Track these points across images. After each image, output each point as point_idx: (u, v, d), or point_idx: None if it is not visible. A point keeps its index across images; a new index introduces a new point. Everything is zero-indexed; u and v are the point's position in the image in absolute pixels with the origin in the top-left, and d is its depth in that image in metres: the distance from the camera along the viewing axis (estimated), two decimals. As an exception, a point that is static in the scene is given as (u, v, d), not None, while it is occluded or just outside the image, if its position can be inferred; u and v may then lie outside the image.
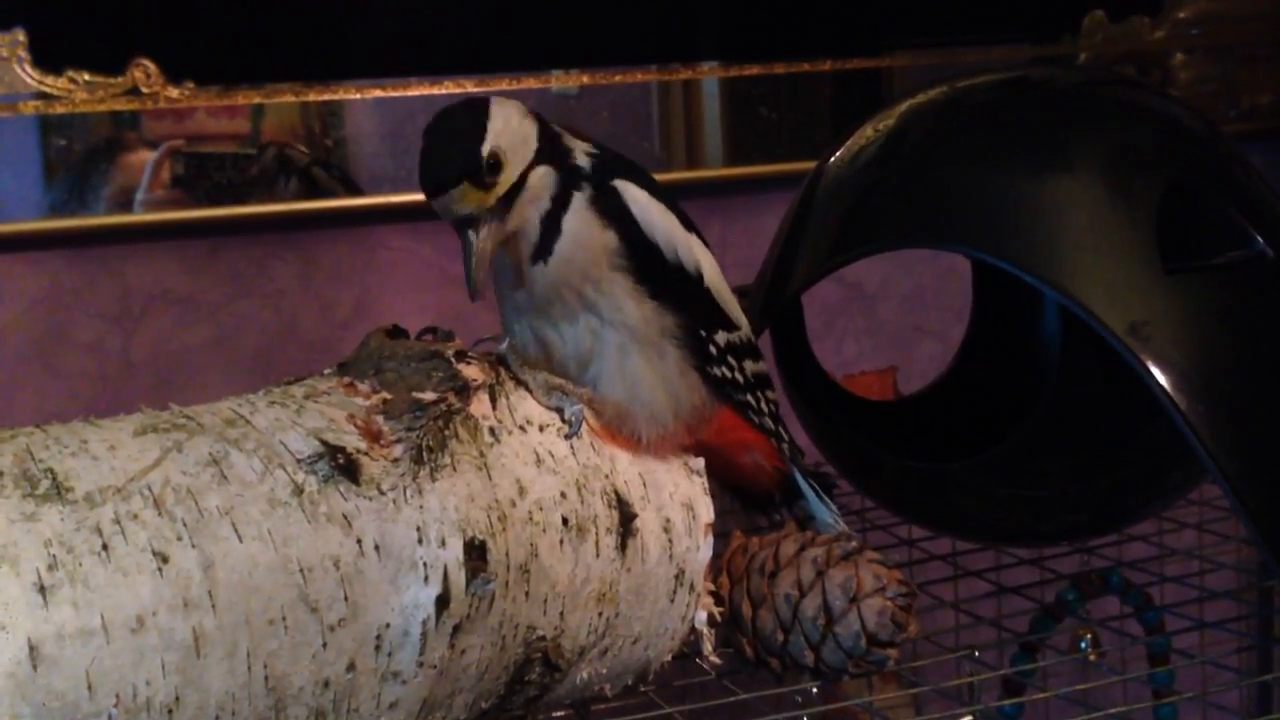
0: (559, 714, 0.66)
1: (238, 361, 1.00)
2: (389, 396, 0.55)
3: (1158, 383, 0.60)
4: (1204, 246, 0.65)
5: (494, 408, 0.57)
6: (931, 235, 0.68)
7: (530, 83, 1.05)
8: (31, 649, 0.43)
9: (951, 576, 0.85)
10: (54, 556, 0.45)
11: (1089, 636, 0.85)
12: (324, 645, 0.49)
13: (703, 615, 0.64)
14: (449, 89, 1.03)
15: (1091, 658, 0.85)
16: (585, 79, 1.07)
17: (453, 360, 0.58)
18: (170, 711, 0.46)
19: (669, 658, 0.64)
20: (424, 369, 0.57)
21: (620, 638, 0.61)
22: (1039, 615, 0.84)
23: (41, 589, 0.44)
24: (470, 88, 1.03)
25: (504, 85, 1.04)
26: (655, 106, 1.09)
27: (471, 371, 0.58)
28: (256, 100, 0.99)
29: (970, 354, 0.88)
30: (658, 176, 1.10)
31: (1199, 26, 1.22)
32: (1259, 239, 0.64)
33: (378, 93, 1.01)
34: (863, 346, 1.16)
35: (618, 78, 1.07)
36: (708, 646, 0.64)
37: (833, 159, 0.76)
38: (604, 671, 0.61)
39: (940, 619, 0.86)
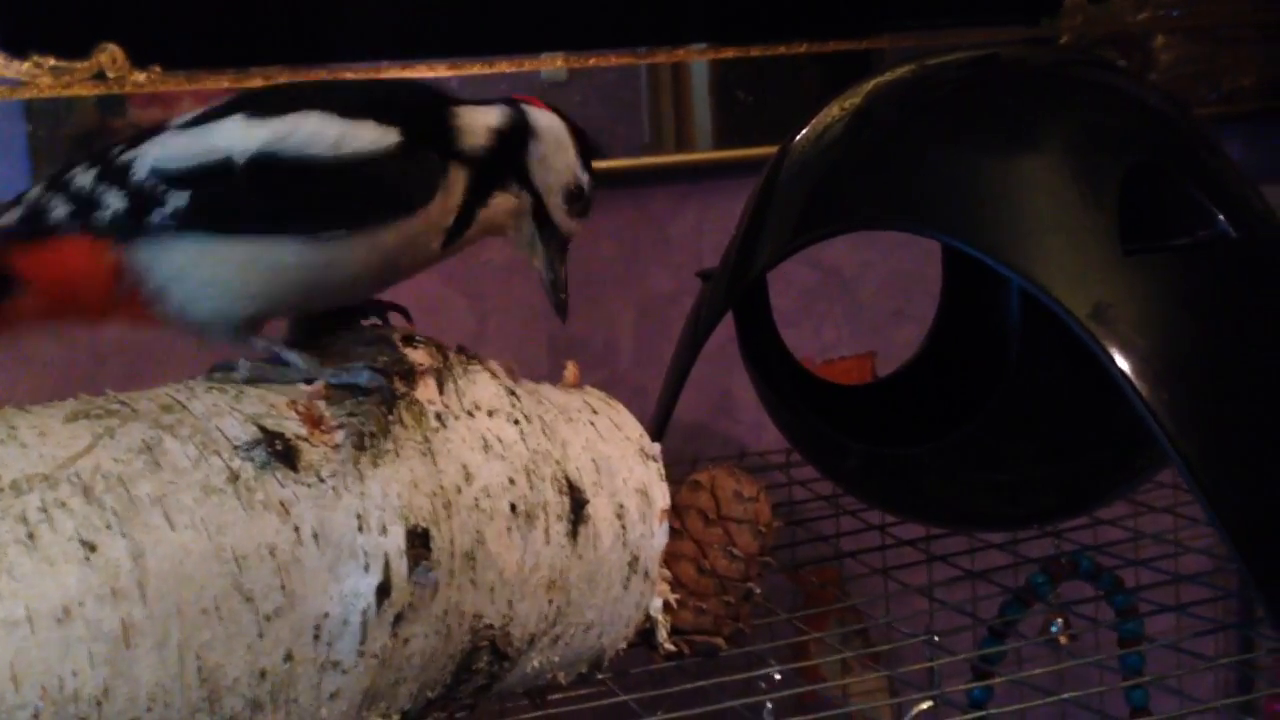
0: (518, 704, 0.65)
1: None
2: (331, 381, 0.54)
3: (1118, 367, 0.59)
4: (1167, 228, 0.64)
5: (440, 392, 0.57)
6: (894, 216, 0.67)
7: (503, 66, 1.04)
8: (-47, 640, 0.43)
9: (922, 561, 0.85)
10: (-23, 546, 0.44)
11: (1060, 620, 0.84)
12: (260, 635, 0.49)
13: (658, 602, 0.63)
14: (422, 72, 1.02)
15: (1062, 641, 0.84)
16: (576, 62, 1.06)
17: (399, 344, 0.57)
18: (99, 703, 0.45)
19: (624, 645, 0.63)
20: (369, 353, 0.56)
21: (572, 625, 0.60)
22: (1009, 600, 0.83)
23: (-36, 579, 0.44)
24: (444, 72, 1.02)
25: (482, 69, 1.03)
26: (644, 90, 1.08)
27: (418, 356, 0.57)
28: (225, 84, 0.98)
29: (939, 336, 0.88)
30: (647, 160, 1.11)
31: (1180, 8, 1.21)
32: (1222, 219, 0.63)
33: (348, 75, 1.00)
34: (841, 331, 1.15)
35: (607, 60, 1.06)
36: (663, 633, 0.63)
37: (798, 137, 0.75)
38: (556, 660, 0.60)
39: (913, 604, 0.86)
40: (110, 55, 0.95)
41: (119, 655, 0.46)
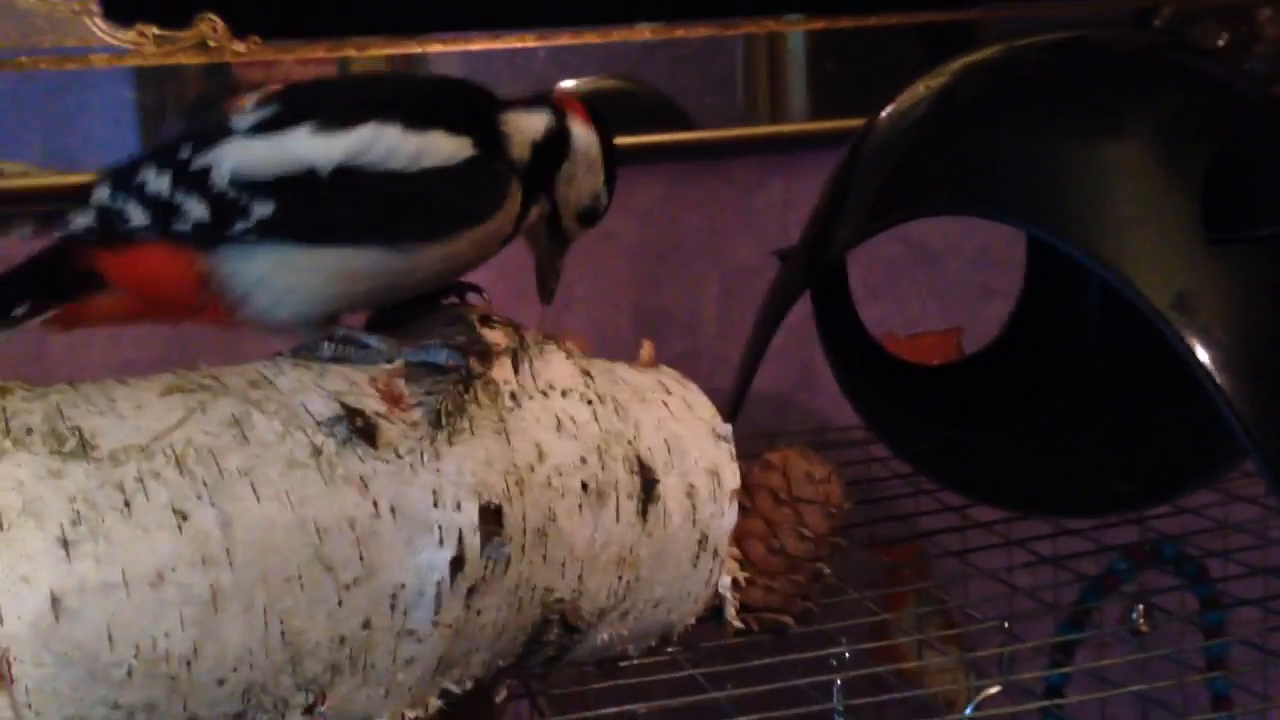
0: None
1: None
2: (411, 360, 0.56)
3: (1198, 358, 0.58)
4: (1251, 217, 0.62)
5: (516, 372, 0.58)
6: (971, 202, 0.67)
7: (591, 37, 1.04)
8: (54, 601, 0.45)
9: (1001, 544, 0.85)
10: (78, 512, 0.47)
11: (1140, 608, 0.84)
12: (339, 603, 0.51)
13: (726, 580, 0.64)
14: (510, 43, 1.03)
15: (1142, 628, 0.83)
16: (663, 33, 1.06)
17: (476, 324, 0.58)
18: (188, 663, 0.48)
19: (692, 621, 0.65)
20: (448, 333, 0.58)
21: (641, 601, 0.61)
22: (1088, 586, 0.83)
23: (65, 543, 0.46)
24: (532, 43, 1.03)
25: (570, 40, 1.04)
26: (739, 59, 1.08)
27: (495, 336, 0.59)
28: (320, 54, 1.00)
29: (1020, 318, 0.87)
30: (740, 131, 1.11)
31: (1288, -21, 1.17)
32: (1310, 210, 0.62)
33: (438, 47, 1.02)
34: (927, 306, 1.14)
35: (694, 30, 1.06)
36: (731, 610, 0.64)
37: (882, 115, 0.74)
38: (625, 633, 0.62)
39: (990, 587, 0.85)
40: (211, 24, 0.97)
41: (208, 618, 0.48)
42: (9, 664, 0.44)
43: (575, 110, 0.62)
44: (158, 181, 0.55)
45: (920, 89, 0.73)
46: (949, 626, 0.90)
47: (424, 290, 0.60)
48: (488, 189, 0.57)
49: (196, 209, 0.54)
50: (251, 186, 0.54)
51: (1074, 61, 0.70)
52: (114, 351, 0.96)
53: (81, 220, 0.55)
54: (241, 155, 0.54)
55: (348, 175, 0.54)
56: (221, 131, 0.56)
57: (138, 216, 0.54)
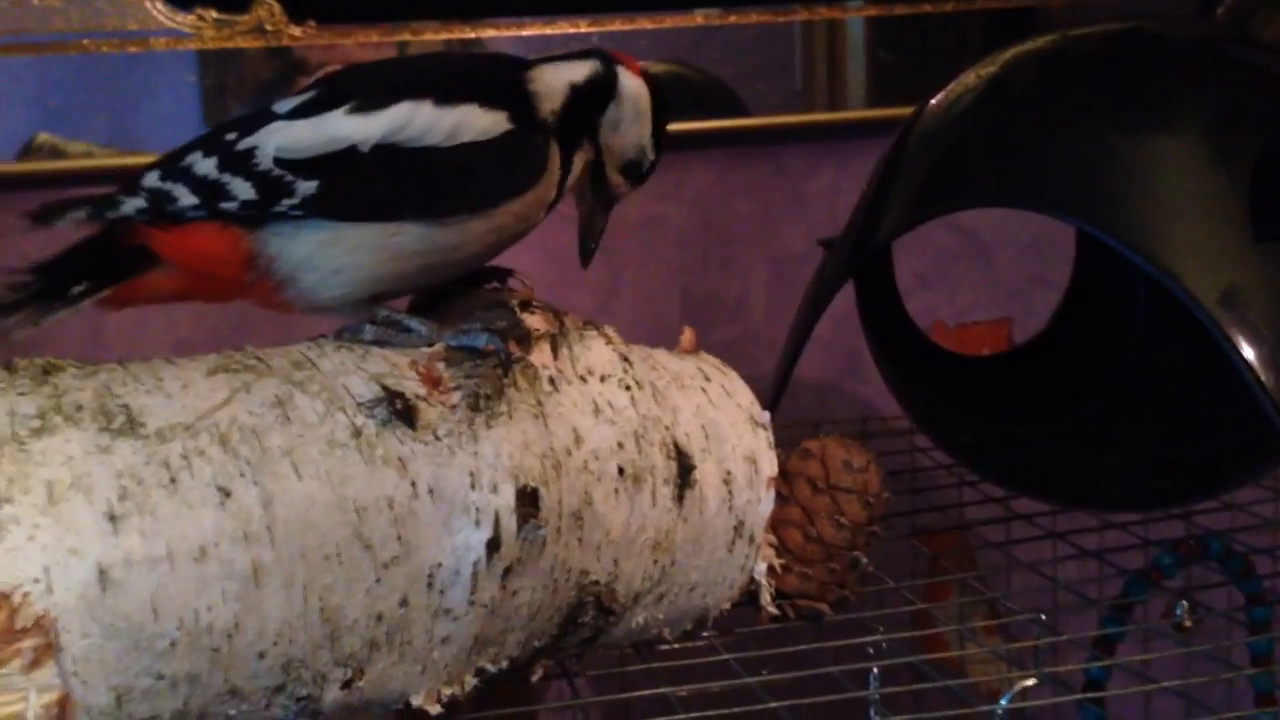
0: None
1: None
2: (451, 344, 0.56)
3: (1243, 355, 0.58)
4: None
5: (555, 357, 0.59)
6: (1018, 195, 0.66)
7: (644, 23, 1.04)
8: (101, 573, 0.47)
9: (1044, 536, 0.84)
10: (124, 487, 0.48)
11: (1184, 604, 0.83)
12: (377, 581, 0.52)
13: (762, 566, 0.64)
14: (564, 28, 1.03)
15: (1187, 624, 0.82)
16: (716, 19, 1.06)
17: (516, 309, 0.59)
18: (230, 636, 0.49)
19: (728, 606, 0.65)
20: (488, 317, 0.59)
21: (677, 585, 0.62)
22: (1131, 580, 0.82)
23: (112, 517, 0.48)
24: (585, 28, 1.03)
25: (623, 25, 1.04)
26: (798, 45, 1.08)
27: (535, 321, 0.59)
28: (374, 39, 1.01)
29: (1067, 310, 0.86)
30: (795, 117, 1.10)
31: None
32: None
33: (491, 32, 1.02)
34: (977, 295, 1.13)
35: (747, 17, 1.06)
36: (766, 596, 0.65)
37: (931, 104, 0.74)
38: (661, 616, 0.63)
39: (1032, 579, 0.85)
40: (268, 9, 0.99)
41: (249, 593, 0.49)
42: (57, 633, 0.46)
43: (627, 63, 0.63)
44: (204, 164, 0.56)
45: (970, 78, 0.73)
46: (992, 618, 0.89)
47: (471, 267, 0.61)
48: (526, 160, 0.58)
49: (243, 188, 0.55)
50: (295, 165, 0.55)
51: (1126, 53, 0.69)
52: (169, 330, 0.98)
53: (132, 203, 0.56)
54: (284, 136, 0.56)
55: (387, 152, 0.55)
56: (264, 116, 0.57)
57: (186, 197, 0.56)
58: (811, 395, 1.08)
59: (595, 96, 0.61)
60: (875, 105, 1.09)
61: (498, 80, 0.60)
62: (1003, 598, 0.78)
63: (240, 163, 0.56)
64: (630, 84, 0.62)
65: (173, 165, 0.57)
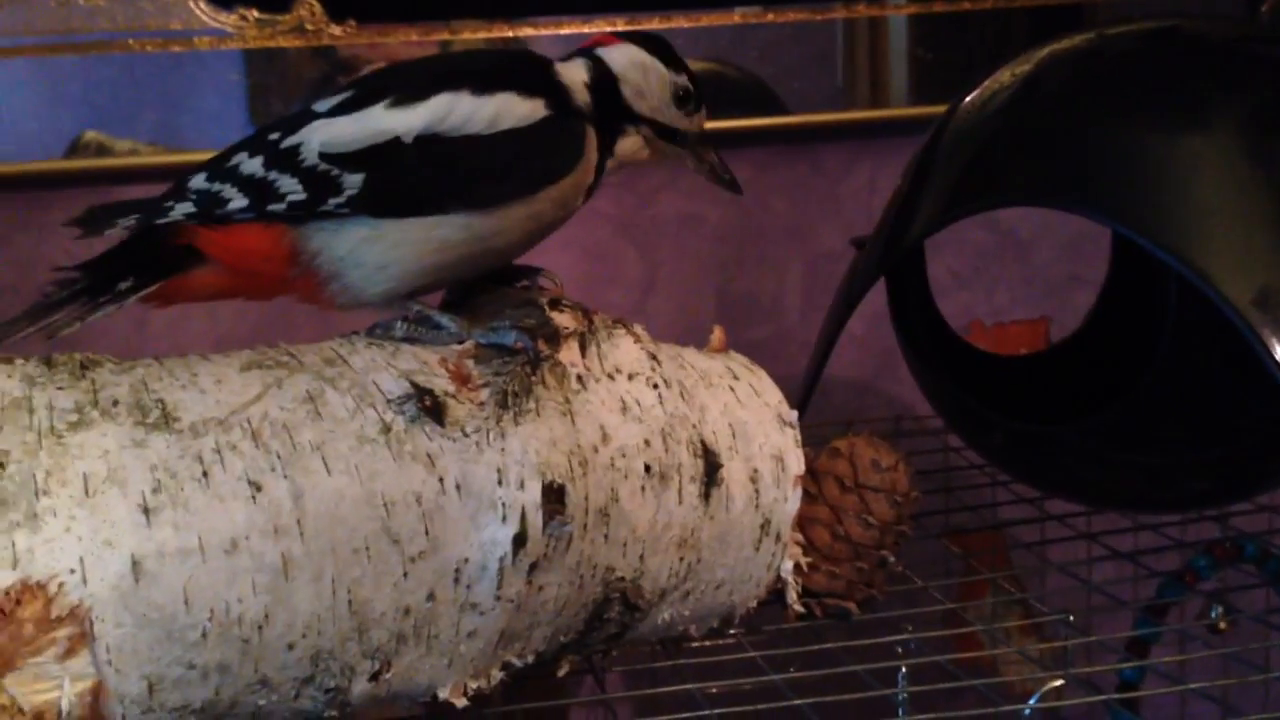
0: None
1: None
2: (480, 341, 0.57)
3: (1276, 356, 0.57)
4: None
5: (583, 355, 0.59)
6: (1050, 194, 0.66)
7: (680, 21, 1.05)
8: (134, 564, 0.48)
9: (1078, 537, 0.84)
10: (158, 481, 0.49)
11: (1219, 607, 0.82)
12: (405, 575, 0.53)
13: (789, 564, 0.65)
14: (600, 26, 1.04)
15: (1222, 626, 0.82)
16: (752, 17, 1.06)
17: (545, 307, 0.60)
18: (260, 627, 0.50)
19: (754, 604, 0.65)
20: (517, 315, 0.59)
21: (703, 582, 0.62)
22: (1166, 582, 0.81)
23: (146, 510, 0.49)
24: (622, 26, 1.04)
25: (660, 24, 1.04)
26: (840, 43, 1.08)
27: (563, 319, 0.60)
28: (414, 37, 1.02)
29: (1102, 310, 0.85)
30: (832, 115, 1.10)
31: None
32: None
33: (529, 30, 1.03)
34: (1015, 294, 1.13)
35: (784, 15, 1.06)
36: (793, 594, 0.65)
37: (965, 102, 0.73)
38: (687, 613, 0.63)
39: (1065, 580, 0.85)
40: (309, 9, 1.00)
41: (279, 586, 0.50)
42: (91, 623, 0.47)
43: (601, 42, 0.64)
44: (251, 163, 0.57)
45: (1005, 76, 0.72)
46: (1026, 618, 0.89)
47: (511, 257, 0.62)
48: (566, 144, 0.59)
49: (290, 185, 0.56)
50: (341, 159, 0.56)
51: (1162, 52, 0.69)
52: (211, 327, 0.99)
53: (182, 208, 0.57)
54: (327, 132, 0.57)
55: (430, 143, 0.56)
56: (305, 115, 0.58)
57: (236, 199, 0.57)
58: (845, 394, 1.08)
59: (604, 85, 0.62)
60: (916, 103, 1.09)
61: (530, 71, 0.61)
62: (1035, 599, 0.78)
63: (286, 160, 0.57)
64: (616, 55, 0.63)
65: (219, 167, 0.58)
